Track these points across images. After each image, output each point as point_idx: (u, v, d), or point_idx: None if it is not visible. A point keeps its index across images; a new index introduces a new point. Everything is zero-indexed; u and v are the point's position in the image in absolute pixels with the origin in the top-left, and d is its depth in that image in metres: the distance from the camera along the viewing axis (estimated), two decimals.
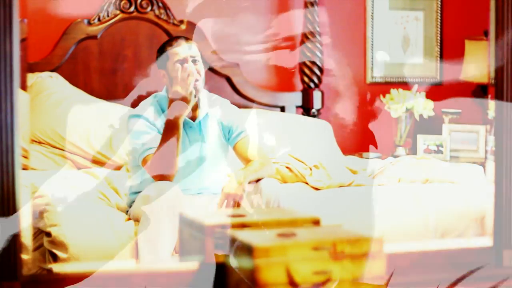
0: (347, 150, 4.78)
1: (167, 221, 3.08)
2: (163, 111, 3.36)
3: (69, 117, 4.22)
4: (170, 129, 3.20)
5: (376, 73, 5.14)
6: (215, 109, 3.45)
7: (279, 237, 1.90)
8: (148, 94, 3.79)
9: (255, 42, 4.88)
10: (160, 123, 3.34)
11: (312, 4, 4.86)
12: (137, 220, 3.21)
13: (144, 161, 3.29)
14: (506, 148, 2.26)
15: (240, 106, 4.62)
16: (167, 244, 3.08)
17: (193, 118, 3.40)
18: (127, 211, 3.38)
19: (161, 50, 3.40)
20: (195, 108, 3.40)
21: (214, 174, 3.44)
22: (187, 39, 3.42)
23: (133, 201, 3.33)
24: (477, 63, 4.92)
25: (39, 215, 3.24)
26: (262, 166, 3.36)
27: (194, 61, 3.35)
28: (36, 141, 4.14)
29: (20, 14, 1.92)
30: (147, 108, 3.37)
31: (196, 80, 3.32)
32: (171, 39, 3.44)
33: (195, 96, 3.31)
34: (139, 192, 3.31)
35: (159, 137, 3.28)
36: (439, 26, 5.21)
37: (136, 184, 3.38)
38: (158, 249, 3.08)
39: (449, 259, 2.22)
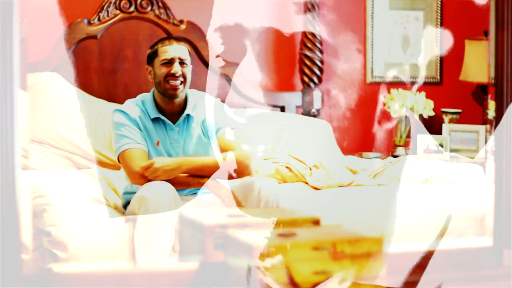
0: (347, 150, 4.78)
1: (162, 221, 3.08)
2: (147, 113, 3.38)
3: (69, 117, 4.22)
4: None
5: (376, 73, 5.14)
6: (199, 108, 3.46)
7: (279, 237, 1.90)
8: None
9: (255, 42, 4.88)
10: (142, 123, 3.36)
11: (312, 4, 4.86)
12: (134, 220, 3.21)
13: (122, 155, 3.33)
14: (506, 148, 2.26)
15: (240, 106, 4.63)
16: (163, 244, 3.09)
17: (175, 120, 3.41)
18: (124, 212, 3.38)
19: (153, 47, 3.44)
20: (179, 109, 3.42)
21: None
22: (179, 40, 3.45)
23: (129, 202, 3.34)
24: (477, 63, 4.92)
25: (39, 215, 3.24)
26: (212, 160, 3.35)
27: (182, 63, 3.38)
28: (36, 141, 4.14)
29: (20, 14, 1.92)
30: (132, 106, 3.41)
31: (181, 83, 3.35)
32: (165, 38, 3.49)
33: (176, 97, 3.35)
34: (133, 192, 3.31)
35: (138, 132, 3.32)
36: (439, 26, 5.21)
37: (130, 184, 3.39)
38: (154, 249, 3.08)
39: (449, 259, 2.22)
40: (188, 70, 3.40)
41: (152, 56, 3.42)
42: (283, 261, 1.83)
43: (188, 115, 3.42)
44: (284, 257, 1.83)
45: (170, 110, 3.41)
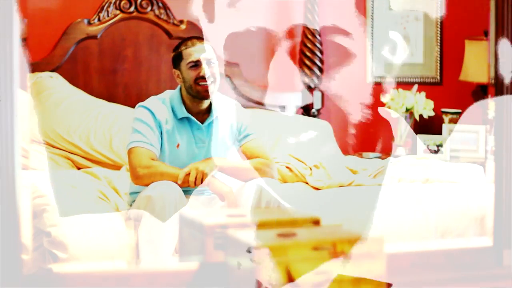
0: (347, 150, 4.78)
1: (168, 221, 3.08)
2: (173, 110, 3.36)
3: (69, 117, 4.22)
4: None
5: (376, 73, 5.14)
6: (225, 110, 3.44)
7: (279, 237, 1.90)
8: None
9: (255, 42, 4.88)
10: (166, 124, 3.33)
11: (312, 4, 4.86)
12: (137, 220, 3.21)
13: (130, 151, 3.30)
14: (506, 148, 2.26)
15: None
16: (168, 245, 3.09)
17: (203, 120, 3.39)
18: (128, 211, 3.38)
19: (176, 49, 3.40)
20: (206, 110, 3.40)
21: (216, 174, 3.43)
22: (201, 39, 3.40)
23: (134, 201, 3.33)
24: (477, 63, 4.92)
25: (39, 215, 3.24)
26: (255, 165, 3.35)
27: (209, 63, 3.34)
28: (36, 141, 4.14)
29: (20, 14, 1.92)
30: (158, 104, 3.37)
31: (211, 83, 3.31)
32: (187, 39, 3.42)
33: (209, 98, 3.33)
34: (139, 192, 3.31)
35: (156, 135, 3.28)
36: (439, 26, 5.21)
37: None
38: (159, 249, 3.08)
39: (449, 259, 2.22)
40: (216, 68, 3.35)
41: (178, 59, 3.36)
42: (283, 261, 1.83)
43: (216, 116, 3.39)
44: (284, 257, 1.83)
45: (197, 109, 3.39)
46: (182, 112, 3.35)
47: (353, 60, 5.12)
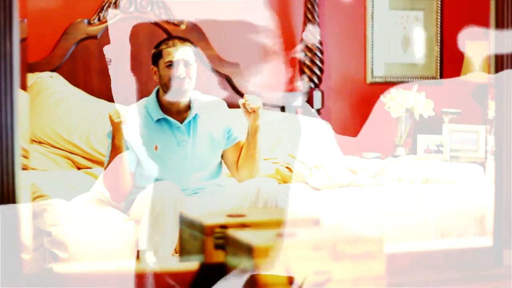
0: (347, 150, 4.78)
1: (168, 221, 3.08)
2: (150, 115, 3.38)
3: (69, 117, 4.22)
4: (112, 149, 3.26)
5: (376, 73, 5.14)
6: (208, 108, 3.45)
7: (279, 237, 1.90)
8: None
9: (255, 42, 4.88)
10: (140, 127, 3.36)
11: (312, 4, 4.86)
12: (137, 220, 3.21)
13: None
14: (506, 148, 2.26)
15: (240, 107, 4.63)
16: (168, 244, 3.09)
17: (182, 120, 3.40)
18: (128, 211, 3.38)
19: (157, 47, 3.42)
20: (185, 109, 3.41)
21: (209, 174, 3.43)
22: (184, 40, 3.43)
23: (133, 201, 3.34)
24: (477, 63, 4.92)
25: (39, 215, 3.24)
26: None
27: (186, 65, 3.36)
28: (36, 141, 4.14)
29: (20, 14, 1.92)
30: (132, 118, 3.38)
31: (186, 83, 3.34)
32: (169, 38, 3.46)
33: (183, 98, 3.36)
34: (139, 191, 3.31)
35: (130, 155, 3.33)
36: (439, 26, 5.21)
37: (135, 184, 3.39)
38: (159, 249, 3.08)
39: (449, 259, 2.23)
40: (193, 70, 3.38)
41: (157, 57, 3.39)
42: (283, 261, 1.83)
43: (196, 114, 3.41)
44: (284, 257, 1.83)
45: (176, 109, 3.40)
46: (158, 114, 3.37)
47: (353, 60, 5.12)
